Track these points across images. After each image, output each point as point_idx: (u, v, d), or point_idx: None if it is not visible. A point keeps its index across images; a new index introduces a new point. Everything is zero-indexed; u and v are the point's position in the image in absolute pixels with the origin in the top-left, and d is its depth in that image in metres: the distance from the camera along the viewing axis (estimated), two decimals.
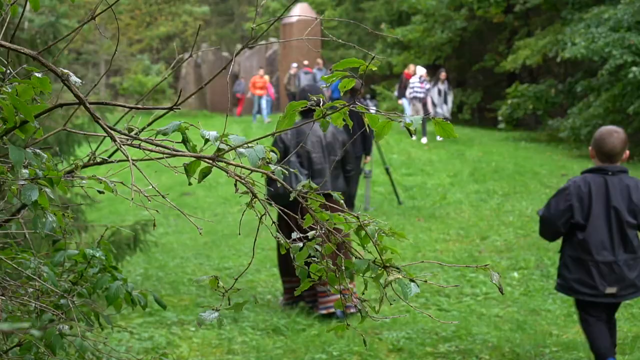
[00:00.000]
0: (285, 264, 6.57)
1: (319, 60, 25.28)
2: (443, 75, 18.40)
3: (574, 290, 4.65)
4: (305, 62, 24.72)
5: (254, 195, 1.89)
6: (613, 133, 4.62)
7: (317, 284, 1.95)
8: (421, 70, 19.06)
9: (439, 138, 18.05)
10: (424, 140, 17.97)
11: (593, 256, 4.51)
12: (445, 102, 18.31)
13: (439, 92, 18.26)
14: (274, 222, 1.94)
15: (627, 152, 4.70)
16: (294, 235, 1.96)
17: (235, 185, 1.93)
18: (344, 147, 6.45)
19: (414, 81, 18.74)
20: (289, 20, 26.19)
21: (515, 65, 21.46)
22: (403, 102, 19.49)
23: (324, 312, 6.37)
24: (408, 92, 18.82)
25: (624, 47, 15.63)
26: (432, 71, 26.76)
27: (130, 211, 11.64)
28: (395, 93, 21.32)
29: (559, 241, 4.91)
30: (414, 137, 15.86)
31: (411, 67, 20.42)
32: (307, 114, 6.00)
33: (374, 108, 1.73)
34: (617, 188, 4.53)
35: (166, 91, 29.13)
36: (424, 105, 18.25)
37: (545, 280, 7.47)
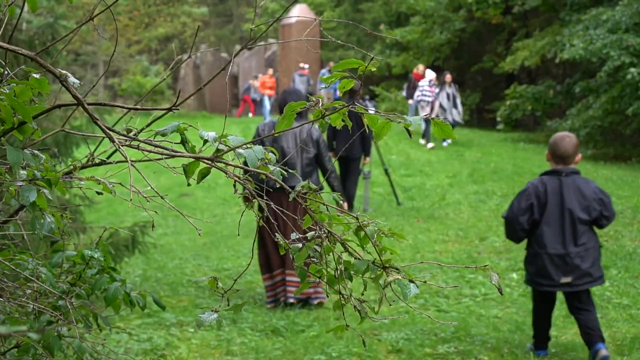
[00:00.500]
0: (266, 258, 6.75)
1: (331, 63, 25.33)
2: (448, 77, 17.86)
3: (535, 283, 5.16)
4: (301, 65, 24.83)
5: (253, 196, 1.88)
6: (565, 138, 5.16)
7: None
8: (430, 74, 18.53)
9: (445, 143, 17.72)
10: (430, 145, 17.60)
11: (547, 249, 5.02)
12: (455, 105, 17.76)
13: (448, 96, 17.71)
14: (273, 222, 1.94)
15: (580, 155, 5.22)
16: (293, 235, 1.96)
17: (234, 186, 1.93)
18: (317, 145, 6.71)
19: (423, 84, 18.27)
20: (287, 21, 26.21)
21: (514, 66, 21.48)
22: (412, 102, 19.18)
23: (292, 299, 6.68)
24: (416, 94, 18.37)
25: (622, 49, 15.64)
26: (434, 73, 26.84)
27: (129, 212, 11.64)
28: (404, 93, 20.97)
29: None
30: (422, 142, 15.69)
31: (420, 67, 20.00)
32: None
33: (373, 109, 1.73)
34: (571, 188, 5.02)
35: (165, 92, 29.12)
36: (431, 109, 17.77)
37: None
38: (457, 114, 17.64)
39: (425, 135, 18.08)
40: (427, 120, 17.30)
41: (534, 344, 5.51)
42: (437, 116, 17.39)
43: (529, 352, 5.52)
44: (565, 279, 5.02)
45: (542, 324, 5.42)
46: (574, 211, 4.99)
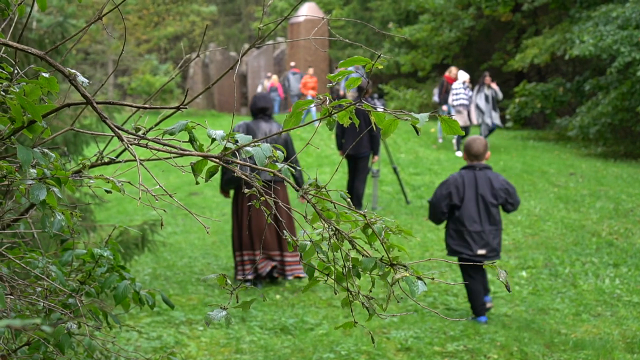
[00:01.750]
0: (238, 239, 7.40)
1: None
2: (488, 79, 16.64)
3: (457, 252, 6.21)
4: (292, 64, 25.40)
5: (261, 194, 1.89)
6: (476, 140, 6.38)
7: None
8: (464, 76, 17.21)
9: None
10: (459, 154, 16.44)
11: (467, 227, 6.17)
12: (494, 108, 16.53)
13: (486, 98, 16.51)
14: (281, 220, 1.95)
15: (489, 153, 6.40)
16: (300, 233, 1.96)
17: (244, 184, 1.93)
18: (286, 144, 7.30)
19: (457, 87, 16.93)
20: (296, 20, 26.20)
21: (523, 64, 21.42)
22: (446, 107, 17.55)
23: (266, 270, 7.38)
24: (451, 98, 16.97)
25: (633, 45, 15.58)
26: (441, 71, 26.78)
27: (138, 211, 11.67)
28: (435, 98, 19.08)
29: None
30: (459, 154, 15.24)
31: (452, 69, 18.31)
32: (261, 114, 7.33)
33: (382, 107, 1.73)
34: (483, 179, 6.24)
35: (174, 91, 29.15)
36: (468, 113, 16.66)
37: (553, 280, 7.45)
38: (496, 117, 16.58)
39: (458, 141, 17.01)
40: (464, 128, 16.53)
41: (474, 313, 6.33)
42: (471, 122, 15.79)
43: (476, 322, 6.18)
44: (481, 251, 6.14)
45: (477, 292, 6.27)
46: (485, 197, 6.20)
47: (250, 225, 7.25)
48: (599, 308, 6.64)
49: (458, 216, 6.20)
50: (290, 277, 7.43)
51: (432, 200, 6.32)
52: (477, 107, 16.43)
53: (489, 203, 6.19)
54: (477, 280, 6.22)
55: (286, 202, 7.37)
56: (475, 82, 18.80)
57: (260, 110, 7.31)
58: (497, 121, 16.60)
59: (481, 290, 6.31)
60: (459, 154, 16.46)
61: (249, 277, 7.36)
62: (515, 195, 6.31)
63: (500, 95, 16.70)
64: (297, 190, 1.88)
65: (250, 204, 6.56)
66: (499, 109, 16.98)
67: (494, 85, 16.58)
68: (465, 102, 16.66)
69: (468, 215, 6.17)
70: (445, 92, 17.71)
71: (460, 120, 16.46)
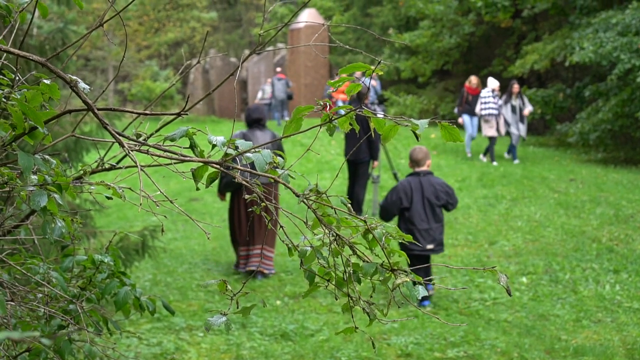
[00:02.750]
0: (234, 235, 8.21)
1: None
2: (516, 88, 15.73)
3: (408, 248, 6.84)
4: (278, 69, 25.89)
5: (261, 199, 1.89)
6: (417, 149, 7.43)
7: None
8: (493, 83, 15.97)
9: (516, 161, 15.93)
10: (495, 164, 15.55)
11: (416, 226, 7.03)
12: (522, 120, 15.68)
13: (513, 108, 15.71)
14: (281, 227, 1.95)
15: (429, 160, 7.48)
16: (301, 239, 1.97)
17: (244, 190, 1.94)
18: (278, 149, 8.01)
19: (485, 96, 15.79)
20: (296, 26, 26.24)
21: (523, 70, 21.42)
22: (464, 119, 16.51)
23: (253, 267, 8.00)
24: (479, 107, 15.84)
25: (632, 52, 15.59)
26: (441, 76, 26.80)
27: (138, 217, 11.67)
28: (455, 110, 17.60)
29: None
30: (484, 159, 14.80)
31: (472, 79, 16.94)
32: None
33: (382, 113, 1.73)
34: (427, 184, 7.22)
35: (174, 97, 29.18)
36: (497, 124, 15.66)
37: (554, 285, 7.45)
38: (523, 129, 15.80)
39: (489, 152, 16.06)
40: (492, 139, 15.72)
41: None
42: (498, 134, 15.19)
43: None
44: (430, 246, 7.00)
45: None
46: (430, 199, 7.15)
47: (241, 224, 8.13)
48: (600, 314, 6.64)
49: (408, 217, 7.09)
50: (250, 268, 8.06)
51: (383, 204, 7.23)
52: (504, 118, 15.66)
53: (433, 204, 7.17)
54: (421, 270, 6.63)
55: (277, 200, 7.55)
56: (503, 90, 17.83)
57: (255, 121, 8.09)
58: (523, 133, 15.89)
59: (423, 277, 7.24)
60: (495, 164, 15.68)
61: (248, 269, 8.13)
62: (454, 196, 7.33)
63: (529, 107, 15.95)
64: (298, 196, 1.89)
65: (248, 207, 7.48)
66: (526, 120, 16.08)
67: (519, 97, 15.81)
68: (495, 111, 15.64)
69: (417, 216, 7.07)
70: (465, 103, 16.63)
71: (489, 130, 15.74)
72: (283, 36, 30.57)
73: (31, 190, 1.86)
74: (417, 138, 1.73)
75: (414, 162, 7.40)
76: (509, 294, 1.73)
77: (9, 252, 2.60)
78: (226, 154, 1.84)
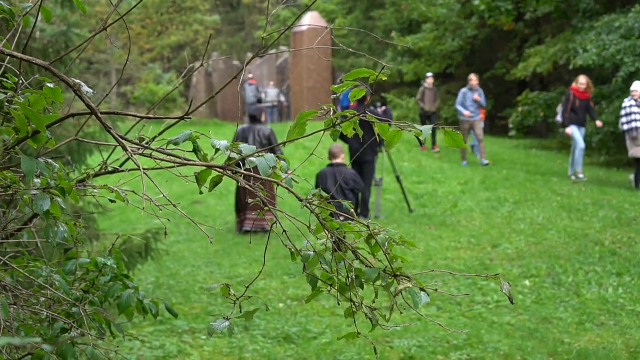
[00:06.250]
0: (238, 202, 10.39)
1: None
2: None
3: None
4: (250, 75, 27.48)
5: (264, 204, 1.89)
6: (333, 145, 9.90)
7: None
8: (638, 86, 12.61)
9: (581, 176, 13.59)
10: (582, 176, 13.64)
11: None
12: None
13: None
14: (284, 231, 1.95)
15: (342, 154, 10.11)
16: (304, 243, 1.96)
17: (247, 193, 1.94)
18: (268, 139, 10.02)
19: (628, 105, 12.51)
20: (299, 29, 26.24)
21: (526, 72, 21.42)
22: (572, 130, 13.61)
23: (247, 228, 10.22)
24: (623, 120, 12.54)
25: (636, 55, 15.58)
26: (443, 79, 26.79)
27: (141, 220, 11.68)
28: (558, 118, 15.19)
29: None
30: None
31: (580, 78, 13.90)
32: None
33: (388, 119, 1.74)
34: (338, 173, 9.76)
35: (177, 100, 29.19)
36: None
37: (556, 288, 7.44)
38: None
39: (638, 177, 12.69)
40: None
41: None
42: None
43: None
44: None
45: None
46: (341, 184, 9.61)
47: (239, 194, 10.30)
48: (602, 317, 6.63)
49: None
50: (247, 229, 10.21)
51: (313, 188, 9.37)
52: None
53: (344, 188, 9.68)
54: None
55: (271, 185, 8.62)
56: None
57: (252, 118, 10.41)
58: None
59: None
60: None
61: (247, 229, 10.27)
62: (360, 183, 9.93)
63: None
64: (301, 200, 1.88)
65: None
66: None
67: None
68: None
69: (332, 198, 8.90)
70: (571, 110, 13.65)
71: (638, 150, 12.38)
72: (286, 39, 30.57)
73: (34, 194, 1.86)
74: (420, 144, 1.73)
75: (331, 154, 10.03)
76: (511, 302, 1.73)
77: (11, 255, 2.60)
78: (229, 158, 1.84)
